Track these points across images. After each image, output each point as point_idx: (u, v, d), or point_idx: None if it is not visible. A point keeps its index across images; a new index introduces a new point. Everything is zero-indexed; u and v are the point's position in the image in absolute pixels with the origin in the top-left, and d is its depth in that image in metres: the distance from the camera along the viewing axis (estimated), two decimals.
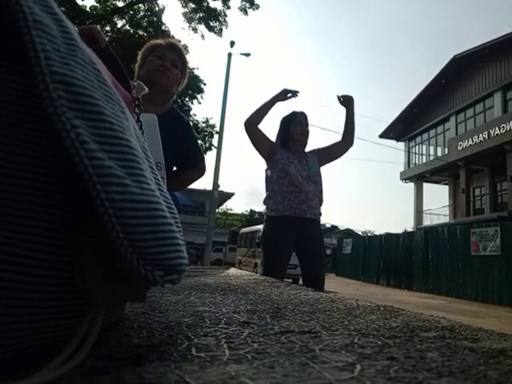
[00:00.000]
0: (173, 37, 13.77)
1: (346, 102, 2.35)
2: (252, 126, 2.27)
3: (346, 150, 2.41)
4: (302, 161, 2.33)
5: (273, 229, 2.27)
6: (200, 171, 1.87)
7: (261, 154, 2.36)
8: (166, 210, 0.32)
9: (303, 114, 2.41)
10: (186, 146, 1.74)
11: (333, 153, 2.43)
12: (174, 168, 1.77)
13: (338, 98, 2.37)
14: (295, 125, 2.36)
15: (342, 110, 2.40)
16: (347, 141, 2.38)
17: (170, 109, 1.75)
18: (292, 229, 2.22)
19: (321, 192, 2.34)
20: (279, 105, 2.33)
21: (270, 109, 2.28)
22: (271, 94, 2.32)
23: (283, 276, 2.18)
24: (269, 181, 2.35)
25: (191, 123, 2.00)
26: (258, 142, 2.31)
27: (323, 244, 2.36)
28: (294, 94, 2.27)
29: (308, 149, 2.45)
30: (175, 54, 1.70)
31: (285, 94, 2.27)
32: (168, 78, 1.65)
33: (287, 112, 2.45)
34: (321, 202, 2.35)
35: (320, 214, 2.34)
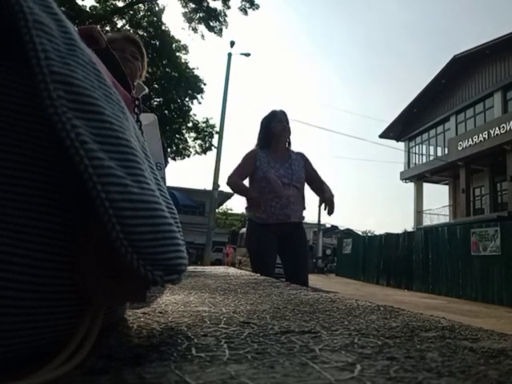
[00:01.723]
0: (173, 37, 13.78)
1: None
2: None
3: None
4: (285, 164, 2.32)
5: (255, 230, 2.31)
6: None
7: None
8: (165, 209, 0.32)
9: (283, 112, 2.42)
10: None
11: (310, 182, 2.41)
12: None
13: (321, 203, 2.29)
14: (276, 122, 2.36)
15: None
16: (321, 194, 2.35)
17: None
18: (274, 231, 2.26)
19: (303, 197, 2.35)
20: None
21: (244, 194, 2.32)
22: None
23: (272, 273, 2.19)
24: (251, 188, 2.36)
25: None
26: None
27: (306, 246, 2.38)
28: (257, 206, 2.21)
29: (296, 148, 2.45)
30: (134, 46, 1.66)
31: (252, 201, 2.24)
32: (131, 71, 1.60)
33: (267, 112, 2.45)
34: (303, 206, 2.36)
35: (303, 216, 2.36)
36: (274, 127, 2.35)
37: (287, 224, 2.26)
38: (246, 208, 2.40)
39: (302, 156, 2.42)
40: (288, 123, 2.41)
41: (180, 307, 0.60)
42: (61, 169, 0.30)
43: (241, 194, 2.32)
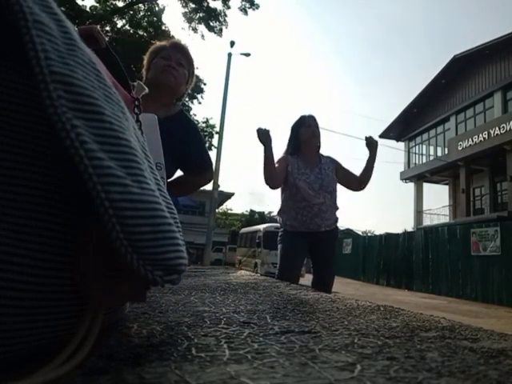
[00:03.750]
0: (173, 37, 13.79)
1: (371, 145, 2.30)
2: (276, 186, 2.31)
3: (357, 190, 2.39)
4: (315, 168, 2.31)
5: (287, 238, 2.34)
6: (203, 179, 1.80)
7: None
8: (165, 210, 0.32)
9: (312, 116, 2.40)
10: (190, 151, 1.66)
11: (349, 182, 2.40)
12: (179, 173, 1.73)
13: (366, 138, 2.33)
14: (305, 128, 2.35)
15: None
16: (363, 183, 2.35)
17: (179, 112, 1.70)
18: (305, 239, 2.28)
19: (335, 202, 2.35)
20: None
21: (270, 159, 2.17)
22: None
23: (298, 275, 2.24)
24: (283, 193, 2.38)
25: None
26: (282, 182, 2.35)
27: (333, 252, 2.39)
28: (265, 133, 2.10)
29: (326, 153, 2.46)
30: (180, 53, 1.69)
31: (261, 136, 2.13)
32: (175, 78, 1.64)
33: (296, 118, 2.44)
34: (335, 210, 2.36)
35: (336, 222, 2.36)
36: (303, 133, 2.34)
37: (318, 233, 2.27)
38: (278, 212, 2.42)
39: (331, 160, 2.42)
40: (317, 128, 2.39)
41: (180, 307, 0.60)
42: (61, 169, 0.30)
43: (267, 160, 2.16)
